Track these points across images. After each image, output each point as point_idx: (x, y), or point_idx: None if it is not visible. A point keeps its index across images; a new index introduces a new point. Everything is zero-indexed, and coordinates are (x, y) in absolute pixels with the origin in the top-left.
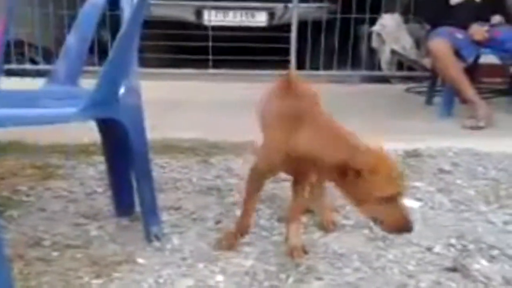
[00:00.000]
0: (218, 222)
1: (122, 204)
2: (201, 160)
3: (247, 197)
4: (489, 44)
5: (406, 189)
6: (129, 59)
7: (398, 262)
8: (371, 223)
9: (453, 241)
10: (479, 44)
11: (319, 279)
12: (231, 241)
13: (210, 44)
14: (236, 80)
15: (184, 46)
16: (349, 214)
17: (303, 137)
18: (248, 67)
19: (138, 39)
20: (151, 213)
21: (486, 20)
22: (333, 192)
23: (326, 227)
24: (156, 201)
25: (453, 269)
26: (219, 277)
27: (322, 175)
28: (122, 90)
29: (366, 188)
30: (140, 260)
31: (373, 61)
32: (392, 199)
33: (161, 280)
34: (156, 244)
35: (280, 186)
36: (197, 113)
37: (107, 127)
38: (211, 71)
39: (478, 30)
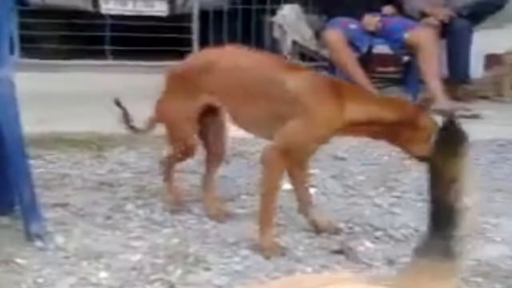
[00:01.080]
0: (107, 218)
1: (1, 202)
2: (94, 154)
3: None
4: (381, 34)
5: None
6: None
7: (287, 248)
8: None
9: (341, 224)
10: (372, 34)
11: (208, 269)
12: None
13: (108, 34)
14: (136, 72)
15: (81, 36)
16: (244, 203)
17: (356, 107)
18: (150, 58)
19: (8, 26)
20: (31, 211)
21: (378, 10)
22: (228, 182)
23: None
24: (36, 198)
25: (340, 252)
26: (103, 274)
27: (375, 134)
28: None
29: (421, 135)
30: (19, 260)
31: (276, 52)
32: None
33: (40, 280)
34: (38, 243)
35: (176, 178)
36: (93, 106)
37: None
38: (109, 62)
39: (371, 21)
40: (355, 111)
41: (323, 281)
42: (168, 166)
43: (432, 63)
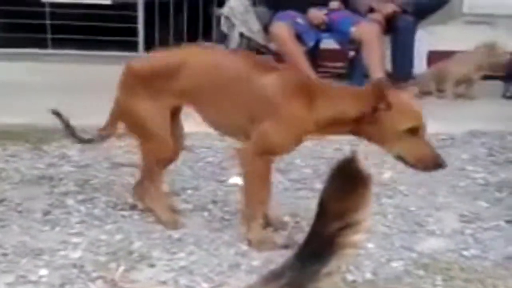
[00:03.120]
0: (47, 213)
1: None
2: (32, 147)
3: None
4: (328, 28)
5: (426, 127)
6: None
7: (233, 242)
8: (210, 206)
9: (287, 218)
10: (318, 28)
11: (152, 265)
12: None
13: (48, 22)
14: (79, 62)
15: (22, 24)
16: (190, 198)
17: (322, 106)
18: (94, 48)
19: None
20: None
21: (325, 5)
22: (173, 177)
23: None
24: None
25: (285, 246)
26: (43, 271)
27: (344, 129)
28: None
29: (389, 125)
30: None
31: (224, 44)
32: (415, 133)
33: None
34: None
35: (118, 173)
36: (32, 97)
37: None
38: (50, 51)
39: (316, 15)
40: (327, 108)
41: None
42: (151, 182)
43: (377, 58)
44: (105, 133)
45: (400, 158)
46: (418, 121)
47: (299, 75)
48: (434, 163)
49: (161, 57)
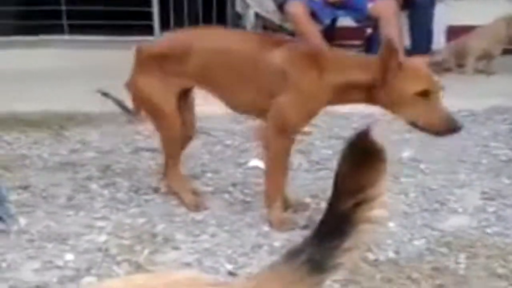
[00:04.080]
0: (71, 199)
1: None
2: (53, 133)
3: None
4: (344, 6)
5: (440, 88)
6: None
7: (254, 224)
8: (230, 188)
9: (308, 199)
10: (334, 6)
11: (176, 248)
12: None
13: (64, 8)
14: (95, 47)
15: (36, 11)
16: (210, 181)
17: (334, 73)
18: (110, 33)
19: None
20: None
21: None
22: (193, 160)
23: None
24: None
25: (306, 227)
26: (69, 256)
27: (358, 96)
28: None
29: (400, 88)
30: None
31: (239, 26)
32: (426, 96)
33: (3, 265)
34: (1, 226)
35: (139, 157)
36: (50, 83)
37: None
38: (66, 37)
39: None
40: (339, 75)
41: (161, 282)
42: (172, 165)
43: (395, 34)
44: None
45: (413, 123)
46: (429, 84)
47: (308, 45)
48: (447, 127)
49: (170, 39)
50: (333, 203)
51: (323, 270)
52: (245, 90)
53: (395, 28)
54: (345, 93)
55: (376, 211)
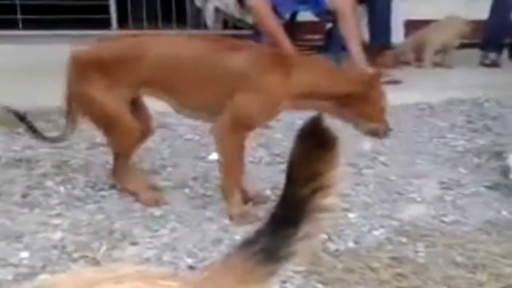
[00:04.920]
0: (25, 196)
1: None
2: (7, 130)
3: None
4: (304, 0)
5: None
6: None
7: (215, 218)
8: (190, 183)
9: (268, 192)
10: (295, 0)
11: (134, 243)
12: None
13: (18, 2)
14: (52, 42)
15: None
16: (170, 175)
17: (297, 79)
18: (66, 27)
19: None
20: None
21: None
22: (152, 155)
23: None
24: None
25: None
26: (24, 254)
27: (322, 105)
28: None
29: (372, 105)
30: None
31: (199, 19)
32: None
33: None
34: None
35: (96, 153)
36: (4, 79)
37: None
38: (21, 32)
39: None
40: (303, 82)
41: (109, 275)
42: (124, 164)
43: (352, 28)
44: (69, 131)
45: (376, 133)
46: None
47: (272, 49)
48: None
49: (120, 43)
50: (287, 191)
51: (277, 259)
52: (200, 93)
53: (352, 22)
54: (307, 99)
55: (330, 199)
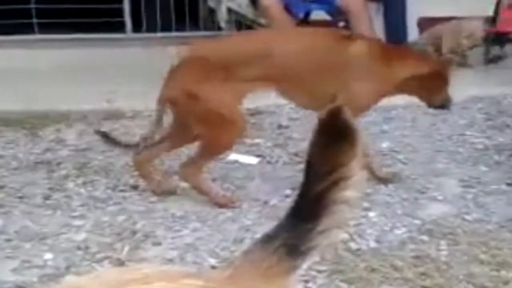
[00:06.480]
0: (47, 198)
1: None
2: (28, 133)
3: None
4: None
5: None
6: None
7: (236, 218)
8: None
9: (288, 192)
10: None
11: (157, 244)
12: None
13: (33, 6)
14: (67, 46)
15: (4, 10)
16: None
17: (404, 66)
18: (81, 31)
19: None
20: None
21: None
22: (172, 156)
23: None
24: None
25: None
26: (48, 255)
27: (411, 88)
28: None
29: (445, 81)
30: None
31: (212, 21)
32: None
33: None
34: None
35: (116, 154)
36: (23, 83)
37: None
38: (37, 36)
39: None
40: (405, 69)
41: (132, 276)
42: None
43: (364, 27)
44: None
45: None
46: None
47: (378, 41)
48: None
49: (238, 41)
50: (305, 185)
51: (299, 254)
52: (319, 84)
53: (364, 21)
54: (404, 85)
55: (350, 192)
